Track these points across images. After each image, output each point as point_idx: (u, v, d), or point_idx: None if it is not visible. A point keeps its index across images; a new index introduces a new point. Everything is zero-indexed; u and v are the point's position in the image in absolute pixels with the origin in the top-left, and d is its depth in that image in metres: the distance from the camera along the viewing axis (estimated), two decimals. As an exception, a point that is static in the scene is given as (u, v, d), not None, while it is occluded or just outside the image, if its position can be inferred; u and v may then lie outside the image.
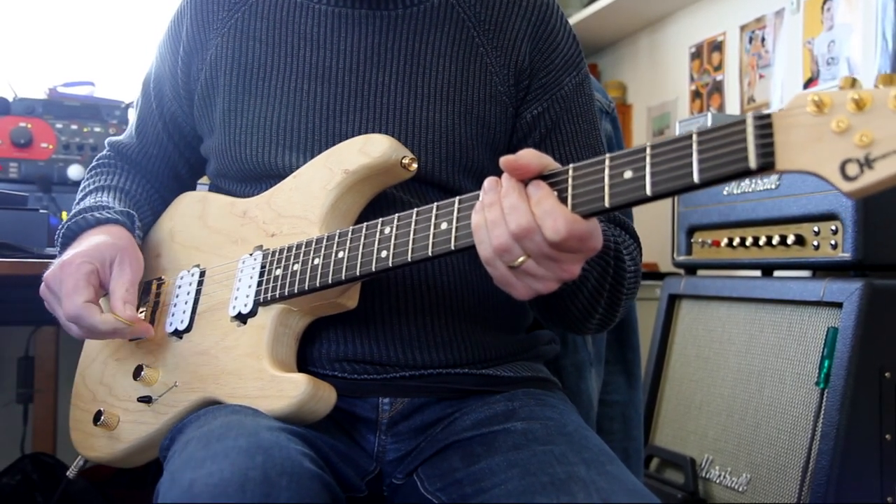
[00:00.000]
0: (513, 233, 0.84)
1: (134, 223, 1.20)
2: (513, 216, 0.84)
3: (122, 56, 2.84)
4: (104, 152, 1.38)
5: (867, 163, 0.67)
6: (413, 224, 0.95)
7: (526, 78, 1.17)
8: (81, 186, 1.33)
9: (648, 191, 0.78)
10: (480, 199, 0.88)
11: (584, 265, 0.92)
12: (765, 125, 0.72)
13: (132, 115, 1.38)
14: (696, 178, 0.76)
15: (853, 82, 0.70)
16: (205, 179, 1.39)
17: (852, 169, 0.68)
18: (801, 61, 2.64)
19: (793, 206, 1.89)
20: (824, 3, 2.54)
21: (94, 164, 1.37)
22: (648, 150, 0.79)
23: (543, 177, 0.86)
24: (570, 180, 0.84)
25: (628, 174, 0.80)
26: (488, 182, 0.89)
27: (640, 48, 3.53)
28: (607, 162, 0.82)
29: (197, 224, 1.22)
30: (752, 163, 0.72)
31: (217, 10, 1.22)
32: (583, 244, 0.84)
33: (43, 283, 1.11)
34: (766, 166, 0.72)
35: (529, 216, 0.83)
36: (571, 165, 0.85)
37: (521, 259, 0.85)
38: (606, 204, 0.81)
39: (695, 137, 0.76)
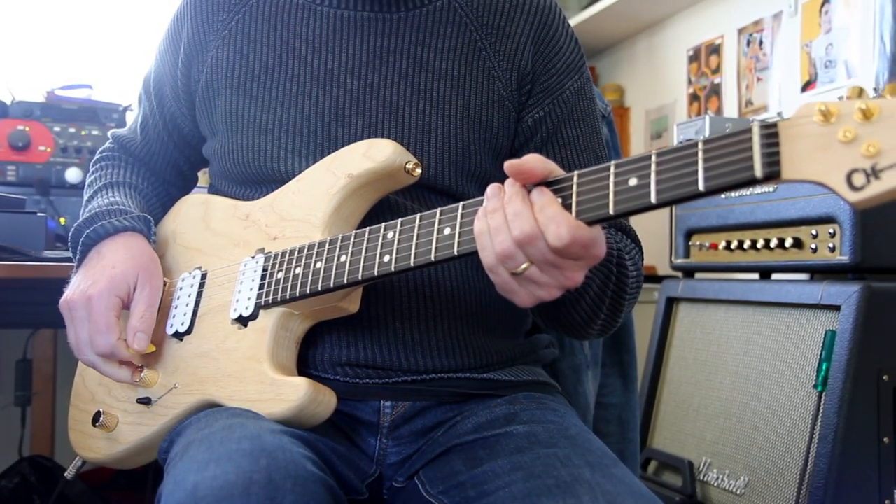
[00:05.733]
0: (516, 239, 0.83)
1: (150, 229, 1.20)
2: (516, 222, 0.84)
3: (120, 59, 2.84)
4: (108, 144, 1.39)
5: (874, 173, 0.66)
6: (416, 229, 0.95)
7: (528, 82, 1.17)
8: (88, 181, 1.33)
9: (653, 198, 0.78)
10: (483, 204, 0.88)
11: (587, 272, 0.92)
12: (771, 134, 0.72)
13: (135, 111, 1.39)
14: (701, 185, 0.75)
15: (860, 92, 0.70)
16: (204, 182, 1.39)
17: (858, 179, 0.67)
18: (798, 64, 2.64)
19: (790, 209, 1.90)
20: (822, 5, 2.55)
21: (98, 156, 1.37)
22: (654, 158, 0.79)
23: (548, 183, 0.86)
24: (574, 187, 0.84)
25: (633, 181, 0.80)
26: (491, 188, 0.88)
27: (637, 51, 3.54)
28: (612, 169, 0.81)
29: (199, 226, 1.22)
30: (758, 171, 0.72)
31: (217, 11, 1.21)
32: (586, 251, 0.84)
33: (64, 303, 1.12)
34: (772, 175, 0.72)
35: (533, 222, 0.83)
36: (576, 172, 0.85)
37: (524, 266, 0.85)
38: (611, 211, 0.81)
39: (700, 146, 0.76)
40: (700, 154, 0.76)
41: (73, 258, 1.20)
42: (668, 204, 0.79)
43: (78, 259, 1.18)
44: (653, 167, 0.79)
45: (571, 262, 0.85)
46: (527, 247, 0.84)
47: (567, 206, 0.83)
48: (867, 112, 0.68)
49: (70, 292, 1.13)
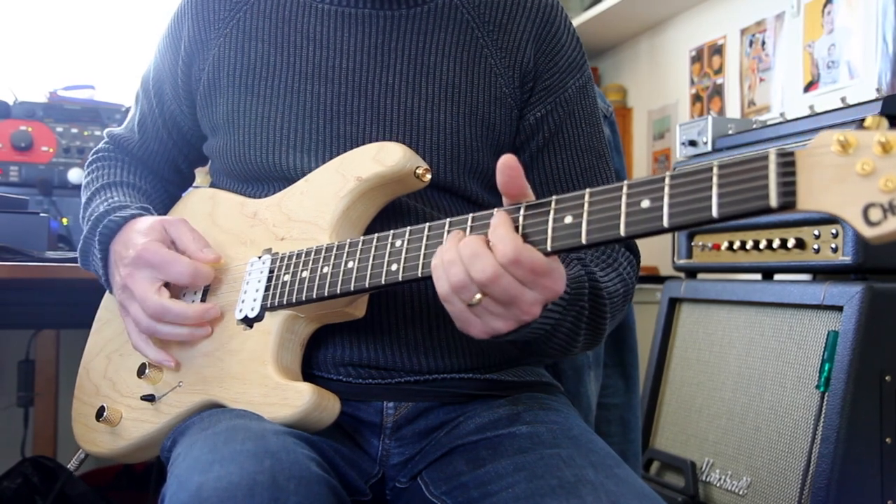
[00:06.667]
0: (474, 279, 0.84)
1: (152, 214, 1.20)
2: (475, 265, 0.84)
3: (122, 59, 2.84)
4: (102, 144, 1.38)
5: (891, 209, 0.65)
6: (425, 239, 0.94)
7: (530, 80, 1.17)
8: (85, 182, 1.33)
9: (665, 222, 0.77)
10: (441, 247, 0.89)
11: (556, 314, 0.90)
12: (787, 163, 0.70)
13: (132, 109, 1.39)
14: (714, 212, 0.74)
15: (880, 122, 0.68)
16: (200, 181, 1.38)
17: (875, 214, 0.66)
18: (801, 65, 2.64)
19: (793, 209, 1.89)
20: (824, 6, 2.54)
21: (93, 157, 1.37)
22: (667, 181, 0.77)
23: (557, 200, 0.85)
24: (585, 206, 0.82)
25: (645, 203, 0.78)
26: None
27: (640, 51, 3.53)
28: (624, 189, 0.80)
29: (206, 222, 1.22)
30: (773, 201, 0.70)
31: (219, 9, 1.21)
32: (537, 277, 0.84)
33: (117, 286, 1.13)
34: (787, 205, 0.70)
35: (494, 264, 0.83)
36: (588, 190, 0.83)
37: (477, 297, 0.85)
38: (622, 233, 0.79)
39: (715, 170, 0.74)
40: (715, 179, 0.74)
41: (90, 269, 1.20)
42: (680, 228, 0.77)
43: (102, 267, 1.18)
44: (666, 190, 0.77)
45: (529, 292, 0.85)
46: (487, 286, 0.84)
47: (577, 226, 0.82)
48: (886, 145, 0.66)
49: (116, 278, 1.13)
